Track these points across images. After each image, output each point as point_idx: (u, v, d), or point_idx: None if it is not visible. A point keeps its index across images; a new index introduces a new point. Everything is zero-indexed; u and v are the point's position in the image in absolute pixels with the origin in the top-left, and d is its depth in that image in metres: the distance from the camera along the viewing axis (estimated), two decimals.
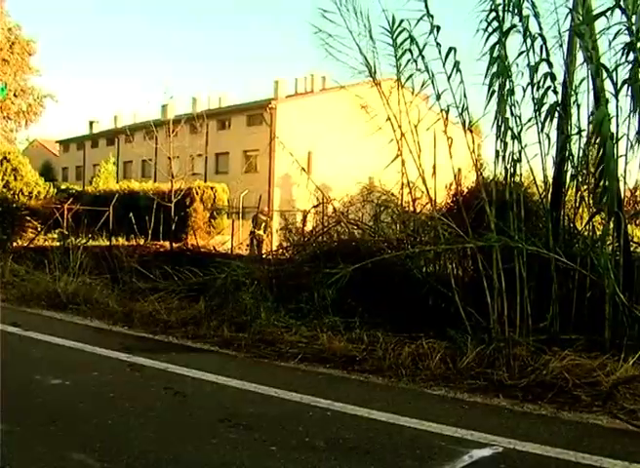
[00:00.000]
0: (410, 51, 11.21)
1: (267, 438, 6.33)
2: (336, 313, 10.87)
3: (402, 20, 11.20)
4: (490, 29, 10.41)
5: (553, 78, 10.32)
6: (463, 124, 11.00)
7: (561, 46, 10.40)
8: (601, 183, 9.91)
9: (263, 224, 26.49)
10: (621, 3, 9.63)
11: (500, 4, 10.40)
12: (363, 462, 5.84)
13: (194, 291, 13.23)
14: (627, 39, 9.67)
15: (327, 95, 53.06)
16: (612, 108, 9.83)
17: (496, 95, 10.39)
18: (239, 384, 8.39)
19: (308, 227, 15.46)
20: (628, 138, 9.96)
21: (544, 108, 10.34)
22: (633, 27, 9.59)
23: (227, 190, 40.08)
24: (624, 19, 9.66)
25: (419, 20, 11.02)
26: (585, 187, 10.60)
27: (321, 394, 7.92)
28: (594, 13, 10.05)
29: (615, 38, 9.82)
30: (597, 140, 9.94)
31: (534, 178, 11.11)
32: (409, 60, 11.27)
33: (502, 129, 10.40)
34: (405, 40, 11.21)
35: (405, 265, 11.10)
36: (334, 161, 47.00)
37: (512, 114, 10.45)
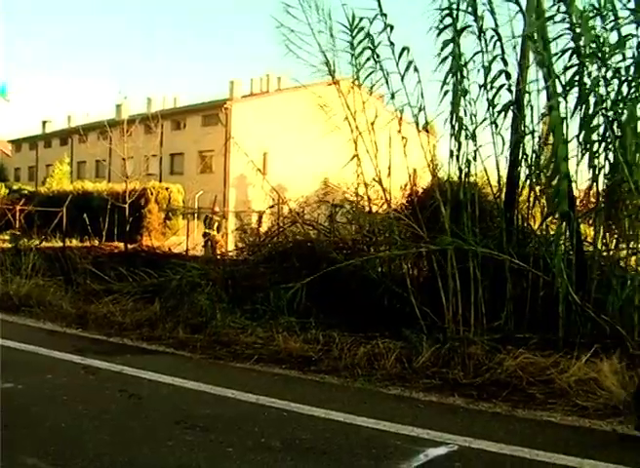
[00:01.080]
0: (370, 49, 11.23)
1: (224, 439, 6.31)
2: (291, 314, 10.85)
3: (361, 18, 11.23)
4: (445, 27, 10.48)
5: (508, 77, 10.40)
6: (417, 124, 11.04)
7: (514, 47, 10.49)
8: (553, 184, 10.04)
9: (216, 224, 26.37)
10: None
11: (454, 2, 10.48)
12: (319, 462, 5.84)
13: (149, 292, 13.13)
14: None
15: (283, 95, 53.08)
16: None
17: (450, 94, 10.46)
18: (195, 386, 8.34)
19: (264, 228, 15.43)
20: (579, 140, 10.10)
21: (498, 108, 10.44)
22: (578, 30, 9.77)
23: (183, 191, 39.84)
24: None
25: (373, 19, 11.07)
26: (539, 187, 10.69)
27: (277, 395, 7.90)
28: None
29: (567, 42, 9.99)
30: (550, 142, 10.09)
31: (488, 178, 11.20)
32: (368, 59, 11.30)
33: (457, 128, 10.47)
34: (363, 39, 11.23)
35: (360, 266, 11.12)
36: (290, 161, 46.99)
37: (466, 113, 10.54)
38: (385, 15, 10.96)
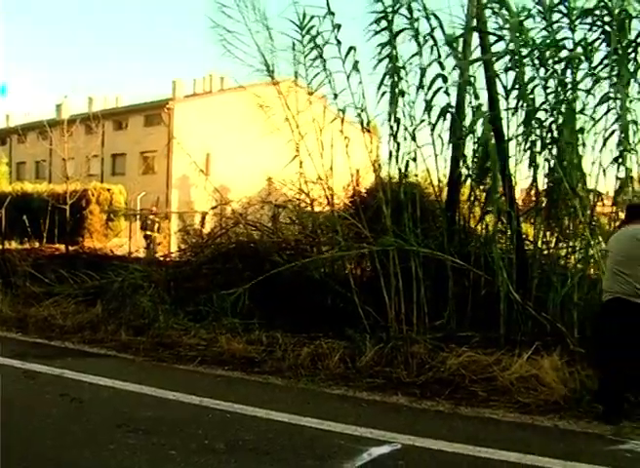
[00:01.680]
0: (317, 48, 11.21)
1: (166, 442, 6.26)
2: (235, 315, 10.82)
3: (312, 17, 11.20)
4: (381, 30, 10.54)
5: (445, 80, 10.47)
6: (362, 124, 11.07)
7: (454, 48, 10.53)
8: (489, 183, 10.17)
9: (157, 226, 26.17)
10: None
11: (390, 5, 10.54)
12: (263, 463, 5.83)
13: (91, 294, 13.00)
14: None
15: (226, 95, 52.66)
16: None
17: (388, 95, 10.51)
18: (137, 388, 8.28)
19: (207, 229, 15.35)
20: (517, 139, 10.24)
21: (437, 109, 10.52)
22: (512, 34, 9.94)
23: (124, 192, 39.32)
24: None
25: (323, 18, 11.07)
26: (480, 187, 10.78)
27: (220, 396, 7.88)
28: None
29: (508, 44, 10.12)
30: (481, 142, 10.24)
31: (429, 178, 11.27)
32: (315, 58, 11.28)
33: (395, 129, 10.54)
34: (312, 38, 11.21)
35: (304, 267, 11.11)
36: (233, 162, 46.68)
37: (404, 115, 10.60)
38: (333, 14, 10.97)
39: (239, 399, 7.81)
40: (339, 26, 10.99)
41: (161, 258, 15.92)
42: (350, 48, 10.87)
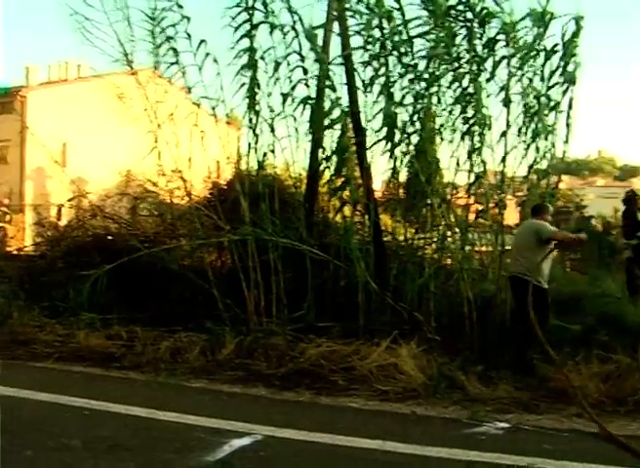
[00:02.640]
0: (169, 40, 11.05)
1: (22, 442, 6.02)
2: (93, 310, 10.57)
3: (163, 9, 11.02)
4: (243, 22, 10.49)
5: (305, 72, 10.52)
6: (215, 116, 10.96)
7: (311, 41, 10.56)
8: (347, 174, 10.31)
9: (8, 217, 25.30)
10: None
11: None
12: (123, 459, 5.71)
13: None
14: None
15: (84, 84, 51.13)
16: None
17: (246, 87, 10.49)
18: None
19: (64, 222, 14.95)
20: (373, 130, 10.42)
21: (297, 101, 10.55)
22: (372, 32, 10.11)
23: None
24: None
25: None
26: (339, 179, 10.86)
27: (78, 393, 7.68)
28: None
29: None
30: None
31: (289, 170, 11.30)
32: (168, 50, 11.12)
33: (254, 121, 10.52)
34: (163, 29, 11.04)
35: (163, 259, 10.99)
36: (91, 153, 45.45)
37: (263, 106, 10.60)
38: (181, 6, 10.84)
39: (98, 395, 7.63)
40: (188, 19, 10.87)
41: (15, 253, 15.43)
42: (201, 41, 10.75)
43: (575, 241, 9.50)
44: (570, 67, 10.26)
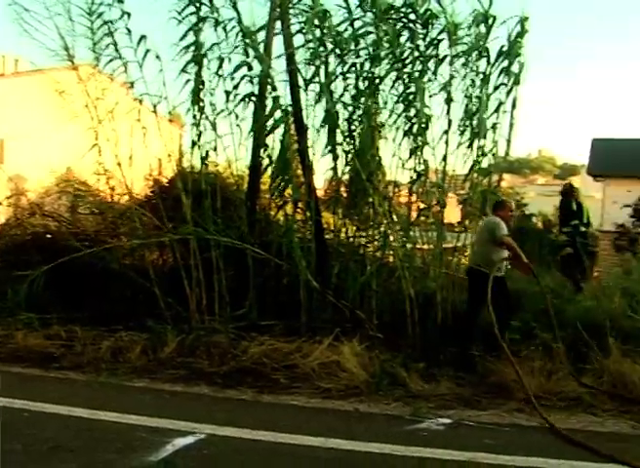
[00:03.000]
0: (109, 35, 10.89)
1: None
2: (32, 309, 10.40)
3: (101, 3, 10.84)
4: (185, 17, 10.40)
5: (250, 68, 10.47)
6: (157, 113, 10.85)
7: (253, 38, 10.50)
8: (289, 172, 10.31)
9: None
10: None
11: None
12: (65, 461, 5.65)
13: None
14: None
15: (21, 78, 50.46)
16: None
17: (191, 83, 10.41)
18: None
19: (1, 220, 14.67)
20: (314, 128, 10.44)
21: (239, 98, 10.50)
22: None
23: None
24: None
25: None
26: (280, 177, 10.83)
27: (17, 395, 7.54)
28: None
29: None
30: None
31: (231, 168, 11.24)
32: (108, 45, 10.96)
33: (198, 118, 10.45)
34: (103, 24, 10.86)
35: (103, 258, 10.87)
36: (31, 150, 44.79)
37: (207, 104, 10.52)
38: (122, 1, 10.69)
39: (38, 396, 7.54)
40: (128, 14, 10.72)
41: None
42: (142, 36, 10.60)
43: (522, 262, 9.45)
44: (514, 68, 10.39)
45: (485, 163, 10.49)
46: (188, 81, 10.37)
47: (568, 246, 13.18)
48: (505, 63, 10.35)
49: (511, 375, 8.12)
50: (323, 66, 10.21)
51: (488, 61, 10.29)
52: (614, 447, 6.24)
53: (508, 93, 10.46)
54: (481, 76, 10.32)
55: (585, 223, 13.14)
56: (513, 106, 10.56)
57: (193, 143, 10.64)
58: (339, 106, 10.26)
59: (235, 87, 10.41)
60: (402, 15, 10.36)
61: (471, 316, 9.27)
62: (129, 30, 10.69)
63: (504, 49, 10.34)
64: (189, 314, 9.98)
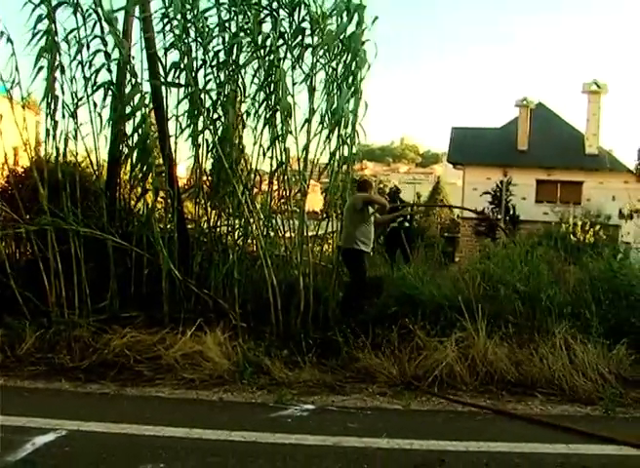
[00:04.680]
0: None
1: None
2: None
3: None
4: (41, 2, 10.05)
5: (108, 56, 10.23)
6: (11, 99, 10.45)
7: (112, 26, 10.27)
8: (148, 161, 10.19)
9: None
10: None
11: None
12: None
13: None
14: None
15: None
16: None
17: (45, 70, 10.10)
18: None
19: None
20: (177, 118, 10.36)
21: (97, 86, 10.25)
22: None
23: None
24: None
25: None
26: (140, 166, 10.66)
27: None
28: None
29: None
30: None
31: (89, 158, 10.98)
32: None
33: (53, 106, 10.15)
34: None
35: None
36: None
37: (64, 91, 10.22)
38: None
39: None
40: None
41: None
42: None
43: (385, 207, 11.17)
44: (368, 57, 10.51)
45: (345, 151, 10.58)
46: (42, 68, 10.04)
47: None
48: (362, 52, 10.43)
49: (374, 360, 8.32)
50: (185, 54, 10.09)
51: (347, 51, 10.38)
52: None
53: (361, 80, 10.53)
54: (342, 65, 10.41)
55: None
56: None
57: (47, 132, 10.32)
58: (202, 95, 10.17)
59: (95, 72, 10.14)
60: (267, 3, 10.35)
61: (359, 286, 10.16)
62: None
63: (345, 38, 10.39)
64: (49, 308, 9.73)
